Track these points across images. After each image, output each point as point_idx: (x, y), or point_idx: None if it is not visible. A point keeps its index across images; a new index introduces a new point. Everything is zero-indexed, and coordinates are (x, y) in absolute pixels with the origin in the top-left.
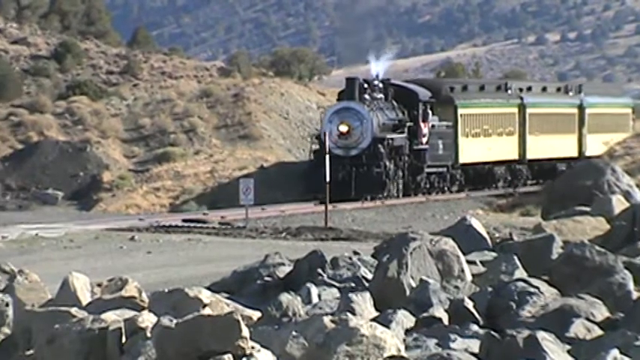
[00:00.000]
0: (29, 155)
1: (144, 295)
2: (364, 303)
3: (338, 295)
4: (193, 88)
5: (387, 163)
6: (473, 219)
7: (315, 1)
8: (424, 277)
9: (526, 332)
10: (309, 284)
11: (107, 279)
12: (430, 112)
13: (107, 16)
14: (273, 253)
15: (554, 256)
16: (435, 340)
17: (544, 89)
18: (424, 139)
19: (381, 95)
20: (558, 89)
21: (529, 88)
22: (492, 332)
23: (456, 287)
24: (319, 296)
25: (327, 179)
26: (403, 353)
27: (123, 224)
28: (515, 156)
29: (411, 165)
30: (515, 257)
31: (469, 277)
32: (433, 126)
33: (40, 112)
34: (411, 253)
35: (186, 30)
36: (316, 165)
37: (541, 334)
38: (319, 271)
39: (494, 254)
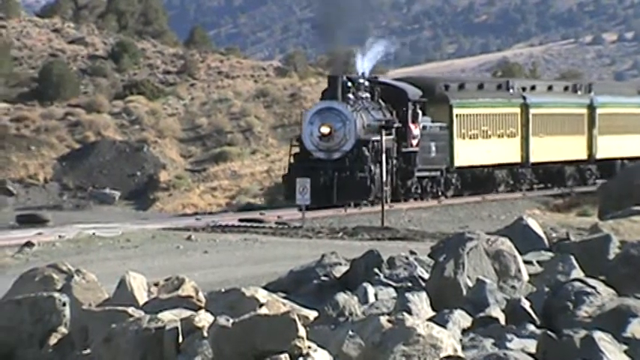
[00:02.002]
0: (86, 155)
1: (200, 294)
2: (421, 303)
3: (394, 294)
4: (250, 88)
5: (372, 167)
6: (529, 219)
7: (372, 0)
8: (481, 277)
9: (583, 332)
10: (365, 284)
11: (164, 278)
12: (421, 112)
13: (164, 16)
14: (330, 252)
15: (611, 256)
16: (491, 340)
17: (550, 88)
18: (414, 142)
19: (366, 94)
20: (566, 88)
21: (533, 87)
22: (549, 332)
23: (513, 287)
24: (376, 296)
25: (384, 179)
26: (460, 353)
27: (179, 224)
28: (517, 159)
29: (400, 169)
30: (572, 257)
31: (526, 277)
32: (425, 127)
33: (97, 112)
34: (468, 252)
35: (243, 30)
36: (297, 169)
37: (598, 334)
38: (376, 270)
39: (550, 254)
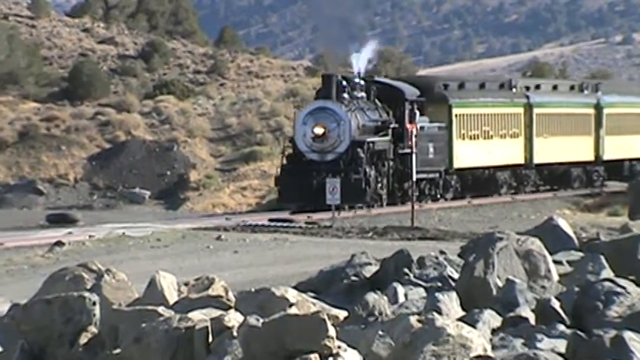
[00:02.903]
0: (116, 154)
1: (230, 294)
2: (451, 302)
3: (424, 294)
4: (280, 88)
5: (367, 169)
6: (559, 219)
7: (402, 0)
8: (511, 277)
9: (613, 332)
10: (395, 284)
11: (194, 278)
12: (418, 112)
13: (194, 16)
14: (360, 252)
15: None
16: (521, 340)
17: (555, 87)
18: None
19: (362, 94)
20: (572, 87)
21: (537, 87)
22: (579, 332)
23: (543, 287)
24: (406, 296)
25: (414, 179)
26: (490, 353)
27: (209, 223)
28: (520, 160)
29: (397, 171)
30: (602, 257)
31: (556, 277)
32: (422, 128)
33: (128, 112)
34: (498, 252)
35: (273, 29)
36: (290, 171)
37: (628, 334)
38: (406, 270)
39: (580, 254)
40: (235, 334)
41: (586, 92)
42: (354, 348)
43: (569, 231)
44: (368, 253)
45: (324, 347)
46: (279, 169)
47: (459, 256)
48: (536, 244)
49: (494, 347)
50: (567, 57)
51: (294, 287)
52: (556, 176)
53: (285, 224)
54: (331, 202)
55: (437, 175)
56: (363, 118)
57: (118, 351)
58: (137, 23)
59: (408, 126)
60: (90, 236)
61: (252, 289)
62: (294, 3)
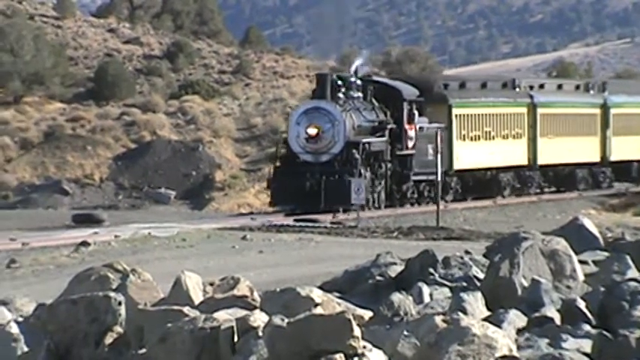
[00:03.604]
0: (142, 155)
1: (256, 294)
2: (476, 302)
3: (450, 294)
4: (305, 88)
5: (363, 171)
6: (585, 219)
7: (427, 0)
8: (536, 277)
9: (639, 332)
10: (420, 284)
11: (219, 278)
12: (417, 112)
13: (219, 16)
14: (385, 252)
15: None
16: (546, 340)
17: (560, 87)
18: (410, 143)
19: (358, 94)
20: (577, 87)
21: (541, 86)
22: (604, 332)
23: (568, 287)
24: (431, 296)
25: (439, 177)
26: (515, 353)
27: (235, 223)
28: (524, 161)
29: (395, 173)
30: (628, 257)
31: (581, 277)
32: (421, 128)
33: (153, 112)
34: (523, 252)
35: (298, 29)
36: (283, 172)
37: None
38: (431, 270)
39: (606, 254)
40: (260, 334)
41: (592, 92)
42: (379, 348)
43: (595, 231)
44: (393, 252)
45: (349, 347)
46: (271, 171)
47: (484, 256)
48: (561, 244)
49: (519, 347)
50: (592, 57)
51: (319, 287)
52: (561, 177)
53: (310, 224)
54: (356, 202)
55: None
56: (358, 118)
57: (143, 351)
58: (162, 23)
59: (407, 127)
60: (115, 236)
61: (278, 289)
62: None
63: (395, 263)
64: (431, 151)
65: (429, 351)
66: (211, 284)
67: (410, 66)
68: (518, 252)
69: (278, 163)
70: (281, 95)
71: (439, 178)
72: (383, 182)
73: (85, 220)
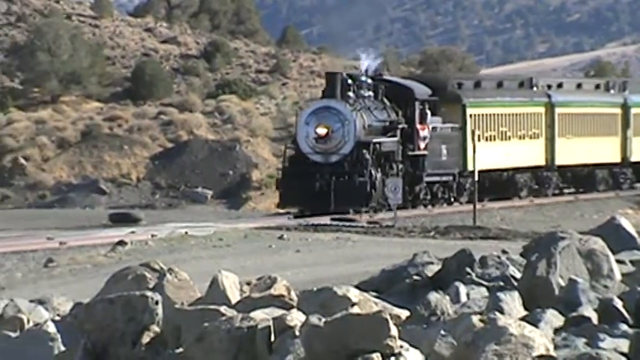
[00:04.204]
0: (179, 154)
1: (292, 293)
2: (513, 302)
3: (486, 294)
4: None
5: (373, 172)
6: (622, 218)
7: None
8: (573, 277)
9: None
10: (457, 283)
11: (256, 277)
12: (430, 112)
13: (256, 15)
14: (422, 252)
15: None
16: (583, 340)
17: (579, 86)
18: (422, 144)
19: (369, 93)
20: (597, 86)
21: (560, 85)
22: None
23: (605, 286)
24: (468, 295)
25: (477, 178)
26: (552, 353)
27: (272, 223)
28: (541, 162)
29: (407, 174)
30: None
31: (618, 277)
32: (434, 128)
33: (190, 111)
34: (560, 252)
35: (335, 29)
36: (292, 173)
37: None
38: (468, 269)
39: None
40: (297, 333)
41: (612, 91)
42: (416, 347)
43: (632, 230)
44: (430, 252)
45: (386, 347)
46: (280, 172)
47: (521, 255)
48: (598, 244)
49: (556, 347)
50: (630, 56)
51: (356, 286)
52: (580, 178)
53: (347, 224)
54: (393, 202)
55: (450, 177)
56: (369, 117)
57: (180, 350)
58: (199, 23)
59: (419, 127)
60: (152, 235)
61: (315, 289)
62: (357, 3)
63: (432, 263)
64: (445, 151)
65: (466, 350)
66: (248, 284)
67: (447, 65)
68: (555, 251)
69: (287, 164)
70: (318, 95)
71: (476, 178)
72: None
73: (122, 219)
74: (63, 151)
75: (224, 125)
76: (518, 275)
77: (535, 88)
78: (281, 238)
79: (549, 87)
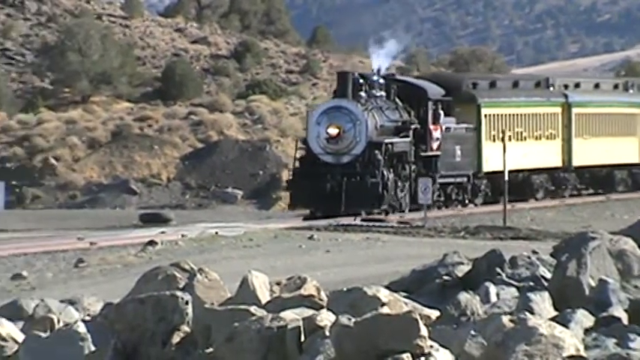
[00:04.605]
0: (209, 154)
1: (322, 293)
2: (543, 302)
3: (517, 294)
4: None
5: (385, 173)
6: None
7: (494, 0)
8: (603, 277)
9: None
10: (487, 283)
11: (286, 278)
12: (443, 112)
13: (287, 16)
14: (452, 252)
15: None
16: (614, 340)
17: (597, 86)
18: (435, 144)
19: (381, 93)
20: (616, 86)
21: (577, 85)
22: None
23: (636, 287)
24: (498, 295)
25: (506, 178)
26: (582, 353)
27: (302, 223)
28: (558, 163)
29: (419, 174)
30: None
31: None
32: (448, 129)
33: (220, 112)
34: (591, 252)
35: (366, 29)
36: (303, 174)
37: None
38: (498, 270)
39: None
40: (327, 333)
41: (631, 91)
42: (446, 348)
43: None
44: (460, 252)
45: (416, 347)
46: (290, 172)
47: (552, 255)
48: (629, 244)
49: (586, 347)
50: None
51: (386, 287)
52: (598, 179)
53: (377, 224)
54: (423, 202)
55: (464, 179)
56: (381, 118)
57: (210, 350)
58: (230, 23)
59: (431, 127)
60: (182, 236)
61: (345, 289)
62: (387, 3)
63: (462, 263)
64: (459, 152)
65: (496, 350)
66: (278, 284)
67: (477, 65)
68: (585, 252)
69: (297, 164)
70: None
71: (506, 177)
72: (407, 184)
73: (152, 219)
74: (93, 152)
75: (254, 125)
76: (549, 275)
77: (552, 88)
78: (311, 238)
79: (566, 87)
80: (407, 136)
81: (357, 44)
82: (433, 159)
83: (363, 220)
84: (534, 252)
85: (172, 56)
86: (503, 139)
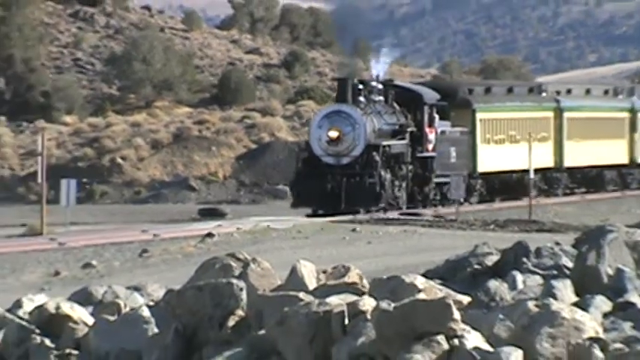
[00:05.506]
0: (261, 154)
1: (365, 281)
2: (565, 289)
3: (541, 281)
4: None
5: (383, 173)
6: None
7: (521, 14)
8: (620, 266)
9: None
10: (514, 272)
11: (331, 266)
12: (437, 116)
13: (332, 28)
14: (482, 243)
15: None
16: (630, 323)
17: (588, 92)
18: (430, 146)
19: (380, 98)
20: (606, 92)
21: (568, 91)
22: None
23: None
24: (524, 283)
25: (531, 176)
26: (601, 335)
27: (345, 217)
28: (550, 163)
29: (416, 174)
30: None
31: None
32: (443, 132)
33: (271, 115)
34: (609, 244)
35: (404, 41)
36: (305, 175)
37: None
38: (524, 259)
39: None
40: (369, 317)
41: (620, 96)
42: (477, 330)
43: None
44: (489, 243)
45: (449, 329)
46: (293, 173)
47: (573, 246)
48: None
49: (605, 329)
50: None
51: (423, 275)
52: (589, 179)
53: (414, 218)
54: (455, 198)
55: (460, 179)
56: (379, 121)
57: (262, 332)
58: (280, 35)
59: (427, 130)
60: (237, 228)
61: (385, 277)
62: (423, 17)
63: (491, 253)
64: (454, 153)
65: (522, 333)
66: (324, 272)
67: (505, 73)
68: (603, 243)
69: (300, 165)
70: None
71: (531, 176)
72: (404, 184)
73: (209, 213)
74: (156, 152)
75: (302, 128)
76: (570, 265)
77: (544, 94)
78: (354, 230)
79: (558, 93)
80: (404, 139)
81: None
82: (429, 160)
83: (401, 214)
84: (557, 243)
85: (228, 65)
86: (529, 141)
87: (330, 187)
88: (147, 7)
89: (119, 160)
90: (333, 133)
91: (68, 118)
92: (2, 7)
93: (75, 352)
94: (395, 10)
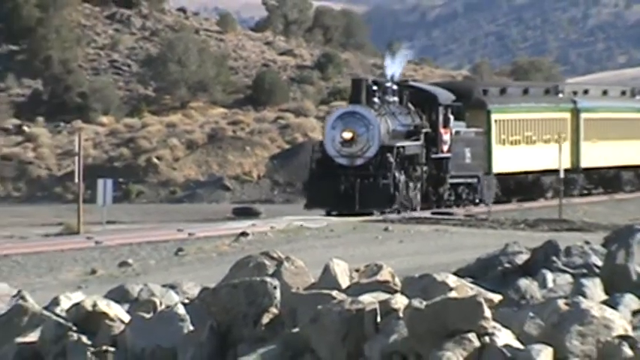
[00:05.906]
0: (295, 154)
1: (397, 279)
2: (594, 287)
3: (571, 280)
4: None
5: (397, 174)
6: None
7: (552, 16)
8: None
9: None
10: (544, 270)
11: (364, 265)
12: (453, 117)
13: (365, 30)
14: (513, 242)
15: None
16: None
17: (605, 93)
18: (445, 147)
19: (394, 99)
20: (623, 93)
21: (585, 92)
22: None
23: None
24: (554, 281)
25: (562, 175)
26: (630, 333)
27: (378, 216)
28: (567, 164)
29: (431, 175)
30: None
31: None
32: (458, 132)
33: (305, 116)
34: (638, 242)
35: (436, 42)
36: (319, 175)
37: None
38: (554, 258)
39: None
40: (401, 315)
41: (638, 97)
42: (507, 328)
43: None
44: (520, 242)
45: (480, 327)
46: (307, 174)
47: (603, 245)
48: None
49: (634, 327)
50: None
51: (454, 273)
52: (606, 180)
53: (445, 217)
54: (487, 198)
55: (474, 179)
56: (393, 122)
57: (296, 330)
58: (313, 37)
59: (442, 130)
60: (271, 227)
61: (416, 275)
62: (455, 19)
63: (522, 252)
64: (469, 154)
65: (552, 331)
66: (357, 270)
67: (535, 75)
68: (632, 242)
69: (314, 166)
70: None
71: (562, 175)
72: (419, 185)
73: (244, 212)
74: (191, 152)
75: None
76: (600, 263)
77: (561, 95)
78: (386, 229)
79: (575, 94)
80: (418, 140)
81: (427, 56)
82: (444, 160)
83: (433, 213)
84: (587, 242)
85: (262, 67)
86: (559, 141)
87: (343, 189)
88: (182, 9)
89: (155, 160)
90: (347, 134)
91: (105, 119)
92: (40, 9)
93: (111, 349)
94: (427, 12)
